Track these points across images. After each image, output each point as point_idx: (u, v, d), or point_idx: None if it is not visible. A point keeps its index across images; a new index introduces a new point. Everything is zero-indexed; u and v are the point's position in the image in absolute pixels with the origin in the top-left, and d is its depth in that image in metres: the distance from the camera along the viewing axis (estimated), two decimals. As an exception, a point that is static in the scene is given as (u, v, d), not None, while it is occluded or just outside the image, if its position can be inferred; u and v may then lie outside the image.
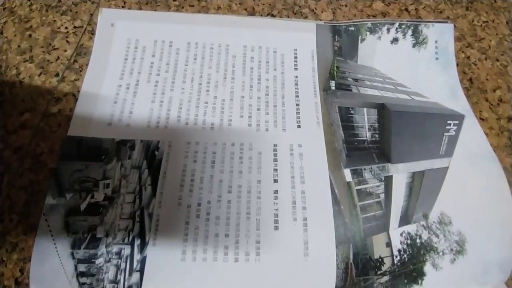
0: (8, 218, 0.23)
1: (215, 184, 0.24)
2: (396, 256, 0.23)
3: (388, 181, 0.25)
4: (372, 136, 0.28)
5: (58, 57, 0.29)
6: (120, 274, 0.21)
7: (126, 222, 0.23)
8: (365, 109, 0.29)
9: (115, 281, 0.21)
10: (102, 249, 0.21)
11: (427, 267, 0.23)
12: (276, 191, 0.24)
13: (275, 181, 0.24)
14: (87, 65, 0.29)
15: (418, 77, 0.32)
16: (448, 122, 0.29)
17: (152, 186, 0.24)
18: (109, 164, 0.24)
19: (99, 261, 0.21)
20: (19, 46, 0.30)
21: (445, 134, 0.28)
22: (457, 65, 0.32)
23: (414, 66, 0.32)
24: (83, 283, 0.20)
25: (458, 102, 0.30)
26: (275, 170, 0.25)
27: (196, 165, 0.25)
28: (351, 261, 0.22)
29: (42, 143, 0.25)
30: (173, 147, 0.25)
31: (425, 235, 0.23)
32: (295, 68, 0.31)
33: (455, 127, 0.28)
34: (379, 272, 0.22)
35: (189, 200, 0.23)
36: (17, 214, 0.23)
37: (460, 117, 0.29)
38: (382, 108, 0.29)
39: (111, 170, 0.24)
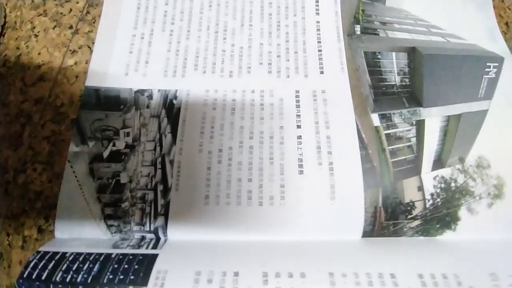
0: (32, 168, 0.23)
1: (236, 130, 0.23)
2: (429, 200, 0.21)
3: (420, 125, 0.24)
4: (401, 81, 0.26)
5: (71, 9, 0.29)
6: (146, 218, 0.21)
7: (148, 168, 0.22)
8: (393, 53, 0.27)
9: (141, 224, 0.21)
10: (126, 194, 0.21)
11: (462, 212, 0.21)
12: (299, 137, 0.23)
13: (298, 126, 0.23)
14: (99, 16, 0.28)
15: (453, 18, 0.29)
16: (488, 64, 0.26)
17: (172, 134, 0.23)
18: (128, 113, 0.24)
19: (125, 205, 0.21)
20: (32, 1, 0.29)
21: (485, 76, 0.26)
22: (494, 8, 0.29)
23: (449, 5, 0.29)
24: (111, 225, 0.21)
25: (497, 44, 0.27)
26: (298, 116, 0.24)
27: (215, 112, 0.24)
28: (380, 205, 0.21)
29: (61, 95, 0.25)
30: (191, 95, 0.25)
31: (460, 179, 0.22)
32: (316, 13, 0.28)
33: (495, 69, 0.26)
34: (409, 216, 0.21)
35: (210, 147, 0.23)
36: (41, 164, 0.23)
37: (499, 59, 0.26)
38: (413, 52, 0.26)
39: (130, 119, 0.24)
